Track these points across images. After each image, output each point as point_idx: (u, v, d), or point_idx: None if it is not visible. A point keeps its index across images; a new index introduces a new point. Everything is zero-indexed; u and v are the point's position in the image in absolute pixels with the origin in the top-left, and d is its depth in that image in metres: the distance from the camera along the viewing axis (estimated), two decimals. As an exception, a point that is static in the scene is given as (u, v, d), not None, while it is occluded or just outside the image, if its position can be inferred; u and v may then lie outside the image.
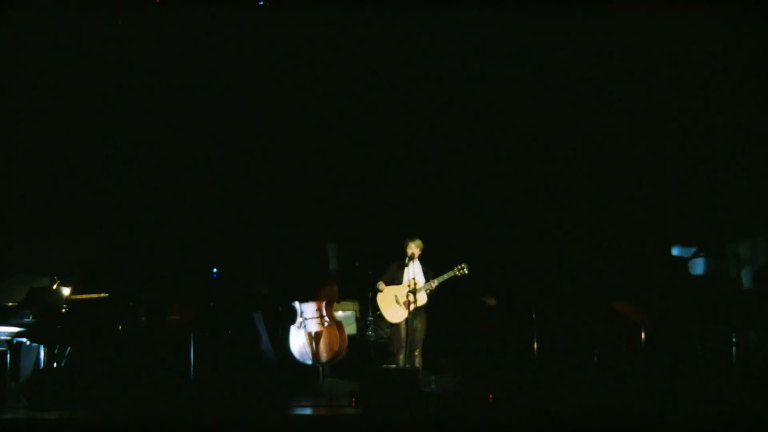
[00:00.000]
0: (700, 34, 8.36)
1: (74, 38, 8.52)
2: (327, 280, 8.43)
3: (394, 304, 7.90)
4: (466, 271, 7.72)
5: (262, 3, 8.66)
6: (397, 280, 8.00)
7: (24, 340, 7.33)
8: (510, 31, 8.42)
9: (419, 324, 7.84)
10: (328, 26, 8.50)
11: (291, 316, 8.35)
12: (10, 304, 7.48)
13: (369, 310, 9.73)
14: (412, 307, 7.65)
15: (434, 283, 7.77)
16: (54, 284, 7.72)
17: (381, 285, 8.01)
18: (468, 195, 10.12)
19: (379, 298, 8.05)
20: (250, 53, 8.67)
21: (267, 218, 9.33)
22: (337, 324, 8.29)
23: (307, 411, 6.95)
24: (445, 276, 7.76)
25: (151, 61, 8.67)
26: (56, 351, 7.54)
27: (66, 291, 7.70)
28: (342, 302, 9.24)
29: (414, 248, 7.93)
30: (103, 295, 7.59)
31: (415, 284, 7.69)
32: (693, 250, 8.02)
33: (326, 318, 8.22)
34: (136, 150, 9.73)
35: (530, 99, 8.89)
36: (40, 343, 7.40)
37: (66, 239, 9.21)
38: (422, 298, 7.79)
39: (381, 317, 8.31)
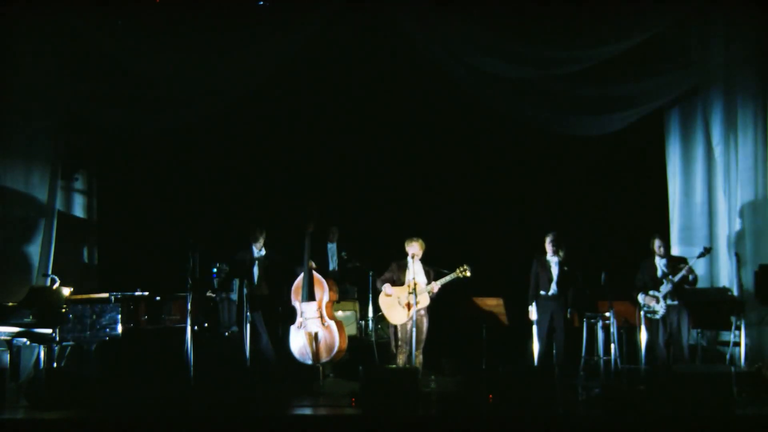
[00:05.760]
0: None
1: (72, 33, 8.54)
2: (327, 280, 8.41)
3: (396, 305, 7.89)
4: (468, 273, 7.68)
5: (262, 3, 8.66)
6: (398, 280, 7.98)
7: (24, 340, 7.32)
8: (510, 31, 8.42)
9: (421, 325, 7.83)
10: (327, 25, 8.48)
11: (291, 316, 8.34)
12: (10, 304, 7.48)
13: (369, 310, 9.74)
14: (413, 308, 7.65)
15: (436, 287, 7.76)
16: (54, 284, 7.72)
17: (388, 288, 7.92)
18: (470, 196, 10.12)
19: (381, 299, 8.04)
20: (249, 53, 8.66)
21: (266, 218, 9.29)
22: (337, 324, 8.28)
23: (307, 411, 6.94)
24: (447, 278, 7.74)
25: (148, 60, 8.67)
26: (56, 351, 7.54)
27: (66, 291, 7.70)
28: (342, 302, 9.23)
29: (416, 248, 7.92)
30: (103, 295, 7.59)
31: (415, 285, 7.68)
32: (700, 250, 8.00)
33: (326, 318, 8.21)
34: (135, 148, 9.75)
35: (532, 100, 8.89)
36: (40, 343, 7.40)
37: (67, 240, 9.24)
38: (424, 300, 7.78)
39: (382, 317, 8.29)
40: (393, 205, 10.13)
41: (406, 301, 7.75)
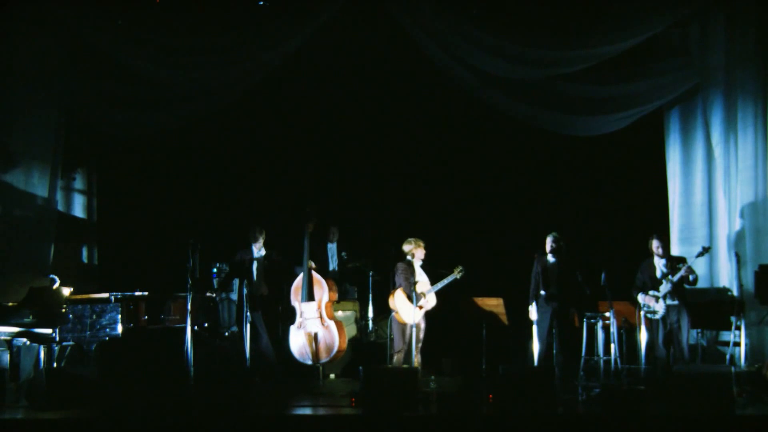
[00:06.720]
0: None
1: (72, 33, 8.54)
2: (327, 280, 8.41)
3: (410, 304, 7.87)
4: (463, 273, 7.79)
5: (262, 3, 8.66)
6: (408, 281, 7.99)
7: (24, 340, 7.32)
8: (510, 31, 8.42)
9: (422, 324, 7.88)
10: (327, 25, 8.48)
11: (291, 316, 8.34)
12: (10, 304, 7.47)
13: (369, 310, 9.73)
14: (428, 306, 7.81)
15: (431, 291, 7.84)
16: (54, 284, 7.72)
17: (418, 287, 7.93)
18: (470, 195, 10.12)
19: (397, 298, 7.96)
20: (248, 53, 8.66)
21: (266, 218, 9.31)
22: (337, 324, 8.28)
23: (307, 411, 6.94)
24: (449, 279, 7.80)
25: (148, 60, 8.66)
26: (56, 351, 7.54)
27: (66, 291, 7.70)
28: (342, 302, 9.24)
29: (418, 249, 7.95)
30: (103, 295, 7.58)
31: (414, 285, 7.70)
32: (700, 250, 7.99)
33: (326, 318, 8.21)
34: (135, 148, 9.75)
35: (532, 100, 8.89)
36: (40, 343, 7.40)
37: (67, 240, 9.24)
38: (432, 299, 7.88)
39: (385, 317, 8.27)
40: (393, 205, 10.12)
41: (419, 300, 7.77)
